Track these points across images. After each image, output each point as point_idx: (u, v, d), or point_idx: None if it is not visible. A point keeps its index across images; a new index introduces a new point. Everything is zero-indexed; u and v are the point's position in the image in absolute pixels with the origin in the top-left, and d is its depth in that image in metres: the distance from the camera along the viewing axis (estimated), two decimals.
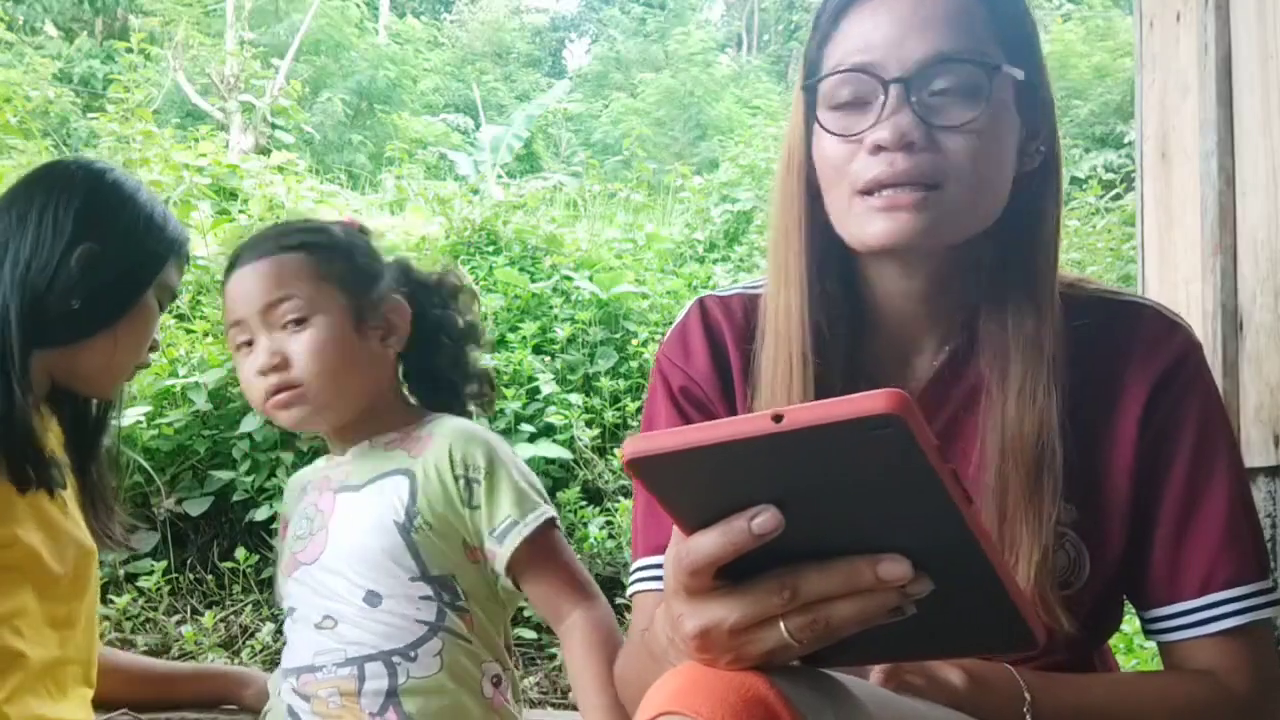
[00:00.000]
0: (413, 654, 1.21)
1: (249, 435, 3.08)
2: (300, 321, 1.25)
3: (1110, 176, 8.01)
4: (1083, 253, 5.34)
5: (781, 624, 0.60)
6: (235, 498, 3.03)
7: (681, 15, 19.99)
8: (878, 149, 0.87)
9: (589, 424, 3.55)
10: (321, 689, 1.21)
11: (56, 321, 1.21)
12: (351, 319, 1.28)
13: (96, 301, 1.23)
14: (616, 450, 3.35)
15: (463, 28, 19.77)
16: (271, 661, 2.52)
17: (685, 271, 5.11)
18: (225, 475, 3.06)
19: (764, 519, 0.57)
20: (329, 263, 1.29)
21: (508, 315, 4.13)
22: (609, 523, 3.12)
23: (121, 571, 2.84)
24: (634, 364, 3.84)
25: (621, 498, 3.27)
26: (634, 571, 1.05)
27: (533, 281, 4.35)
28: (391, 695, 1.19)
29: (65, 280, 1.20)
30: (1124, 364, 0.95)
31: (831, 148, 0.92)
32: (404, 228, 5.34)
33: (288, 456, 3.04)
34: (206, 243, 4.05)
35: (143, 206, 1.29)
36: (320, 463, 1.39)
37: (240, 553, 2.83)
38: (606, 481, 3.36)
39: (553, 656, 2.67)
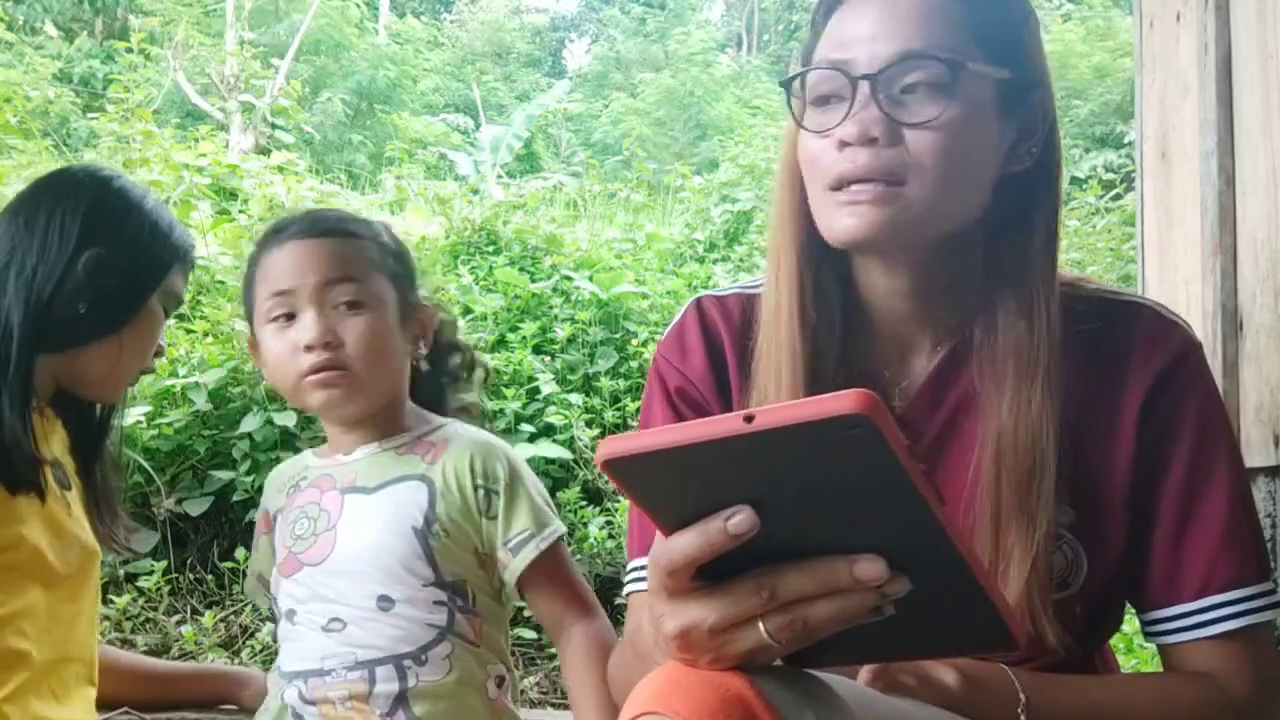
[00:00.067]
0: (423, 657, 1.21)
1: (249, 435, 3.08)
2: (353, 306, 1.25)
3: (1110, 176, 8.01)
4: (1083, 253, 5.34)
5: (761, 624, 0.61)
6: (235, 498, 3.03)
7: (681, 15, 19.99)
8: (843, 145, 0.88)
9: (589, 424, 3.55)
10: (332, 692, 1.21)
11: (62, 326, 1.22)
12: (397, 315, 1.29)
13: (102, 306, 1.24)
14: None
15: (463, 28, 19.76)
16: (272, 662, 2.52)
17: (685, 271, 5.11)
18: (225, 475, 3.06)
19: (739, 519, 0.58)
20: (384, 256, 1.31)
21: (508, 315, 4.13)
22: (609, 523, 3.12)
23: (121, 571, 2.84)
24: (634, 364, 3.84)
25: (621, 498, 3.27)
26: (629, 572, 1.06)
27: (533, 281, 4.35)
28: (401, 698, 1.20)
29: (72, 285, 1.22)
30: (1122, 364, 0.95)
31: (808, 143, 0.92)
32: (404, 228, 5.32)
33: (288, 456, 3.03)
34: (206, 243, 4.05)
35: (149, 214, 1.30)
36: (310, 459, 1.36)
37: (240, 553, 2.82)
38: (606, 481, 3.36)
39: (552, 657, 2.67)
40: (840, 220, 0.89)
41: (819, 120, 0.91)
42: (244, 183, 5.40)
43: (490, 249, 4.87)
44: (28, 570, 1.19)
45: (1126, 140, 8.82)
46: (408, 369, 1.33)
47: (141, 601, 2.80)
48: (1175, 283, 1.75)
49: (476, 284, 4.36)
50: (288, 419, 3.05)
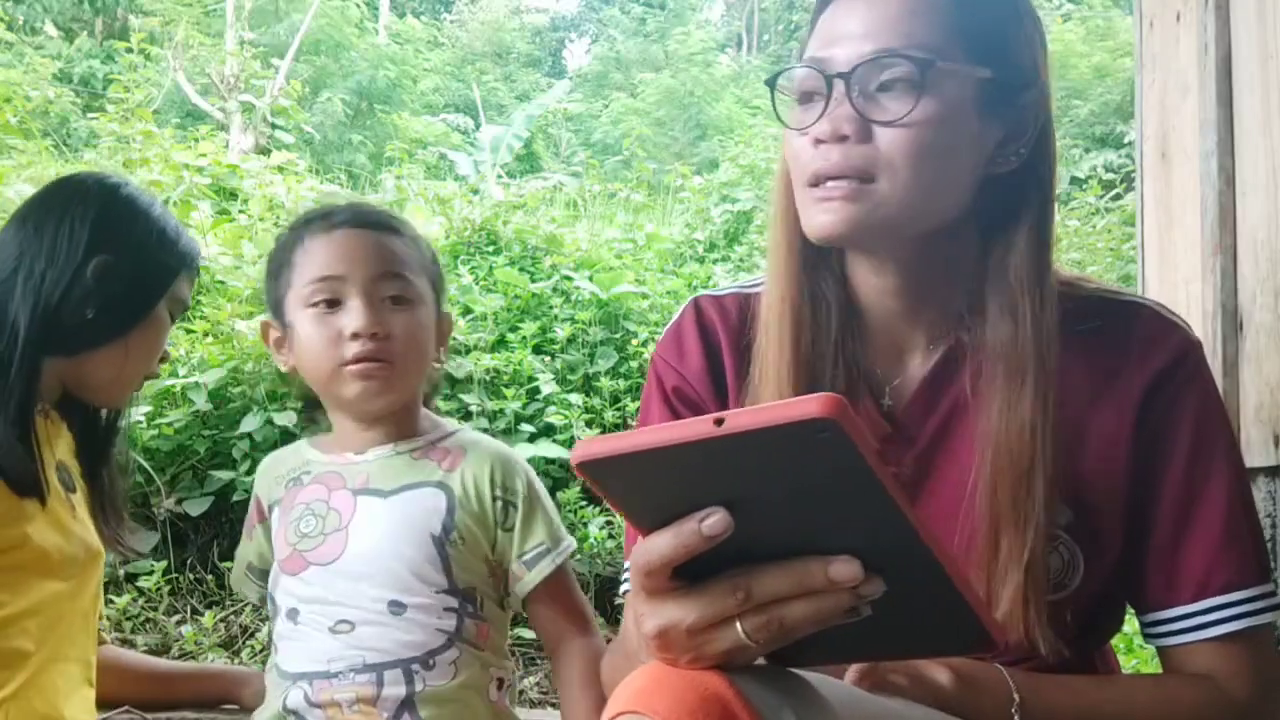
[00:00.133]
0: (430, 662, 1.21)
1: (249, 435, 3.08)
2: (399, 301, 1.26)
3: (1110, 176, 8.01)
4: (1083, 253, 5.35)
5: (738, 624, 0.61)
6: (235, 498, 3.03)
7: (681, 15, 19.98)
8: (818, 142, 0.90)
9: (589, 424, 3.55)
10: (339, 695, 1.20)
11: (70, 330, 1.23)
12: (433, 316, 1.31)
13: (110, 312, 1.26)
14: None
15: (463, 28, 19.76)
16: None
17: (685, 271, 5.11)
18: (225, 475, 3.06)
19: (713, 521, 0.58)
20: (426, 259, 1.33)
21: (508, 315, 4.13)
22: (609, 522, 3.12)
23: (121, 571, 2.84)
24: (634, 364, 3.84)
25: None
26: (625, 572, 1.06)
27: (533, 281, 4.35)
28: (408, 702, 1.20)
29: (80, 291, 1.23)
30: (1120, 364, 0.95)
31: (791, 141, 0.94)
32: None
33: None
34: (206, 242, 4.05)
35: (156, 221, 1.32)
36: (310, 453, 1.34)
37: None
38: None
39: None
40: (815, 216, 0.90)
41: (800, 118, 0.92)
42: (244, 183, 5.40)
43: (490, 249, 4.87)
44: (32, 570, 1.20)
45: (1126, 140, 8.82)
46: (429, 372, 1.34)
47: (141, 601, 2.80)
48: (1175, 283, 1.75)
49: (476, 284, 4.35)
50: (288, 419, 3.05)
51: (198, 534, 3.08)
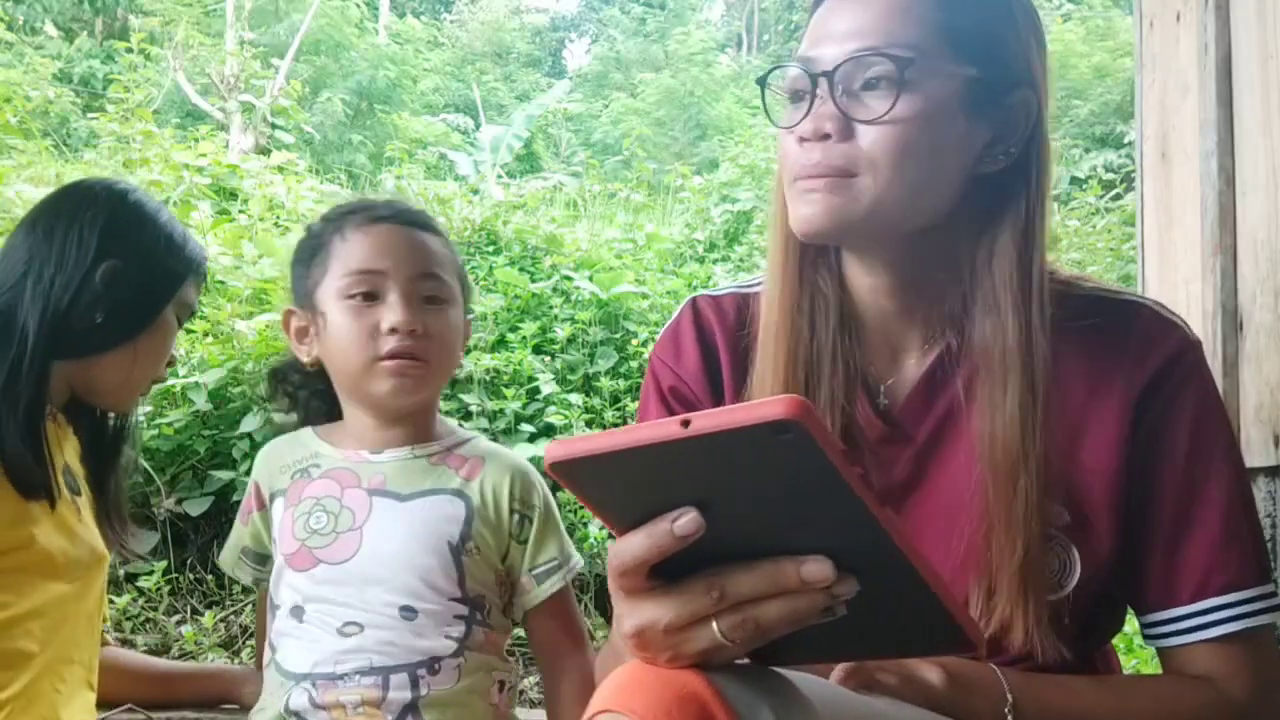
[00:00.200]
0: (436, 666, 1.21)
1: (249, 435, 3.08)
2: (436, 301, 1.27)
3: (1110, 176, 8.01)
4: (1083, 253, 5.35)
5: (714, 624, 0.62)
6: (235, 498, 3.03)
7: (681, 15, 19.99)
8: (802, 140, 0.90)
9: (589, 424, 3.55)
10: (344, 696, 1.20)
11: (78, 334, 1.24)
12: (463, 318, 1.32)
13: (118, 316, 1.27)
14: None
15: (463, 28, 19.76)
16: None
17: (685, 271, 5.11)
18: (225, 475, 3.06)
19: (684, 521, 0.59)
20: (458, 262, 1.34)
21: (508, 315, 4.13)
22: None
23: (121, 571, 2.84)
24: (634, 364, 3.84)
25: None
26: None
27: (533, 281, 4.35)
28: (412, 706, 1.19)
29: (89, 295, 1.24)
30: (1117, 363, 0.94)
31: (781, 139, 0.94)
32: None
33: None
34: (206, 242, 4.05)
35: (163, 227, 1.33)
36: (318, 445, 1.32)
37: None
38: None
39: None
40: (798, 210, 0.91)
41: (788, 117, 0.93)
42: (244, 183, 5.41)
43: (490, 249, 4.88)
44: (36, 572, 1.20)
45: (1126, 140, 8.82)
46: None
47: (141, 601, 2.81)
48: (1175, 283, 1.75)
49: (477, 284, 4.36)
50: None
51: (198, 534, 3.08)
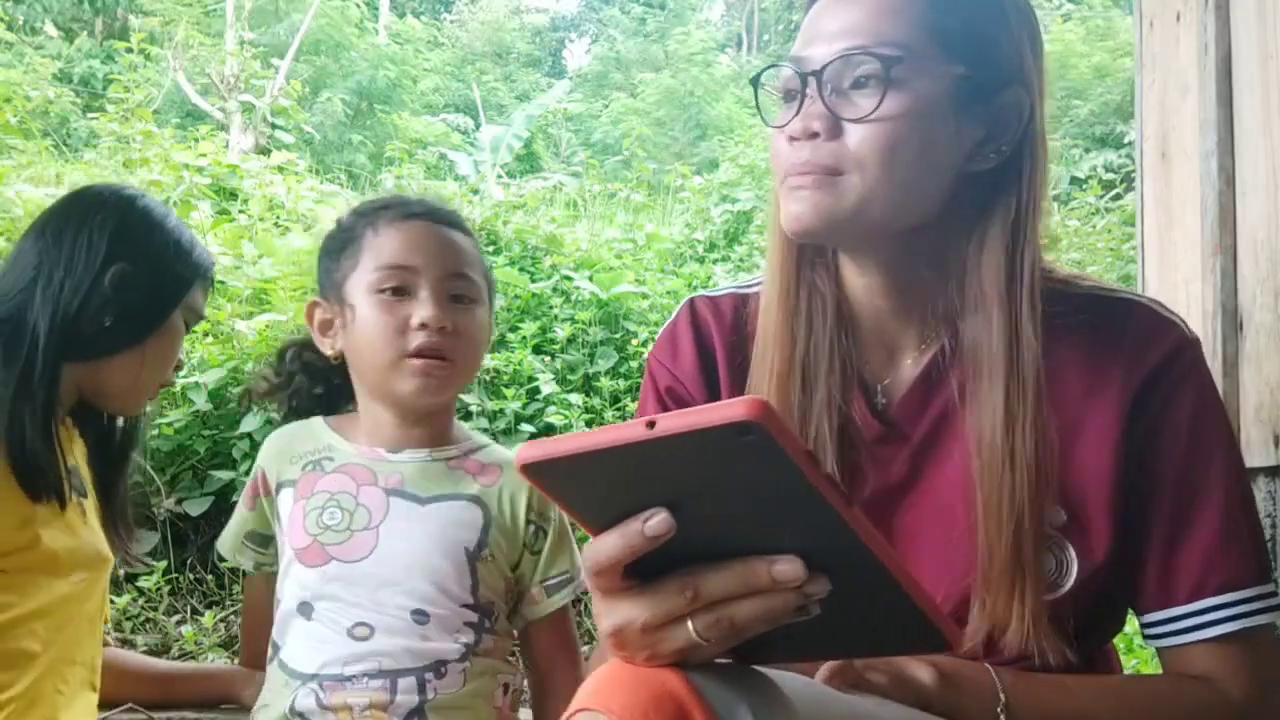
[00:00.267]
0: (443, 670, 1.21)
1: (249, 435, 3.08)
2: (465, 300, 1.27)
3: (1110, 176, 8.01)
4: (1083, 253, 5.35)
5: (689, 623, 0.62)
6: (235, 498, 3.02)
7: (681, 15, 19.99)
8: (792, 139, 0.91)
9: (589, 424, 3.55)
10: (352, 698, 1.19)
11: (88, 338, 1.26)
12: (489, 319, 1.33)
13: (127, 320, 1.28)
14: None
15: (463, 28, 19.76)
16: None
17: (685, 271, 5.11)
18: (225, 475, 3.06)
19: (655, 522, 0.59)
20: (484, 263, 1.34)
21: (508, 315, 4.13)
22: None
23: (121, 571, 2.83)
24: (634, 364, 3.84)
25: None
26: None
27: (533, 281, 4.35)
28: (418, 710, 1.20)
29: (98, 299, 1.25)
30: (1113, 362, 0.93)
31: (774, 138, 0.95)
32: None
33: None
34: (206, 242, 4.04)
35: (171, 232, 1.34)
36: (330, 436, 1.31)
37: None
38: None
39: None
40: (788, 207, 0.91)
41: (780, 116, 0.93)
42: (244, 183, 5.40)
43: (490, 249, 4.87)
44: (40, 572, 1.21)
45: (1126, 140, 8.82)
46: None
47: (141, 601, 2.80)
48: (1175, 283, 1.75)
49: None
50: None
51: (198, 534, 3.08)
